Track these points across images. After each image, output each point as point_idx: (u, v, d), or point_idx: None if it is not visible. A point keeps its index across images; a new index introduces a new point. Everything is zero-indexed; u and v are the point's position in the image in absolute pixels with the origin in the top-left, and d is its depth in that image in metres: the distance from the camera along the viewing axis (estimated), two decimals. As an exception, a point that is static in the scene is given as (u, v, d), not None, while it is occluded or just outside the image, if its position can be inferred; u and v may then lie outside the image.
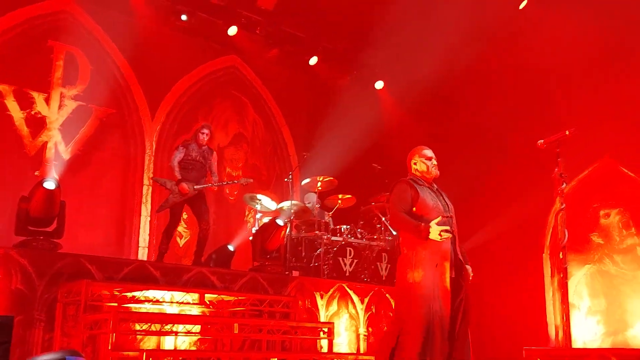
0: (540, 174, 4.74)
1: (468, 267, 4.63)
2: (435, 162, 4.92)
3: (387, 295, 8.05)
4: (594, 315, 7.98)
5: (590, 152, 7.99)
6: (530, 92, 8.68)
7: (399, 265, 4.74)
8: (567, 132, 4.49)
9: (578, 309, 8.13)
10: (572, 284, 7.89)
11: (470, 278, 4.64)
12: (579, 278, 8.14)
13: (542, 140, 4.68)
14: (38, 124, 8.58)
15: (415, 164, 4.89)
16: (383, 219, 8.84)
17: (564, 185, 4.43)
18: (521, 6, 8.93)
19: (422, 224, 4.44)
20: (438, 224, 4.42)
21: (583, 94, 8.15)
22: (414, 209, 4.70)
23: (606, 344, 7.70)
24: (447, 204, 4.85)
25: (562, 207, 4.37)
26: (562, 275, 4.30)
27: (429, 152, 4.95)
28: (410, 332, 4.45)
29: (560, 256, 4.34)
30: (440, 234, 4.35)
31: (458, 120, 9.46)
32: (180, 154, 7.65)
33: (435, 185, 4.93)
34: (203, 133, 7.77)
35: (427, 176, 4.88)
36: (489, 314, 8.76)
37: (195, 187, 7.50)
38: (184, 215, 9.54)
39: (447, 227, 4.42)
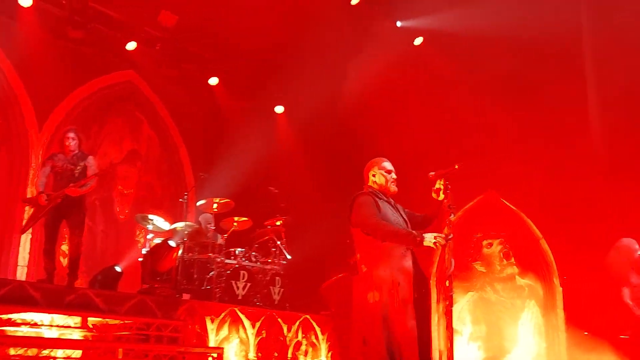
0: (429, 205, 4.87)
1: None
2: (394, 176, 4.74)
3: (279, 319, 8.01)
4: (475, 341, 8.23)
5: (476, 185, 8.29)
6: (426, 126, 8.93)
7: (357, 284, 4.54)
8: (456, 166, 4.60)
9: (460, 335, 8.33)
10: (455, 311, 8.12)
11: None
12: (462, 305, 8.38)
13: (433, 173, 4.78)
14: None
15: (374, 175, 4.70)
16: (278, 242, 8.81)
17: (452, 215, 4.54)
18: (417, 42, 9.34)
19: (414, 231, 4.27)
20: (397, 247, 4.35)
21: (473, 132, 8.50)
22: None
23: (486, 370, 8.02)
24: (405, 220, 4.68)
25: (450, 236, 4.47)
26: (447, 303, 4.37)
27: (388, 165, 4.78)
28: (373, 355, 4.27)
29: (447, 284, 4.40)
30: (435, 239, 4.14)
31: (354, 149, 9.61)
32: (46, 170, 6.95)
33: (392, 200, 4.74)
34: (68, 138, 7.01)
35: (384, 190, 4.70)
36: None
37: (47, 195, 6.73)
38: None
39: (442, 235, 4.20)
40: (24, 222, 7.25)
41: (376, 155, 4.92)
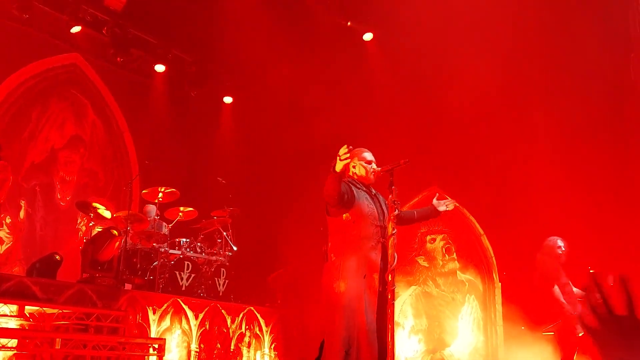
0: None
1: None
2: (375, 166, 4.72)
3: (222, 311, 8.02)
4: (416, 334, 8.35)
5: (420, 181, 8.40)
6: (374, 123, 9.00)
7: (326, 273, 4.54)
8: (401, 162, 4.65)
9: (402, 328, 8.46)
10: (398, 304, 8.26)
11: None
12: (405, 298, 8.49)
13: (379, 168, 4.83)
14: None
15: (354, 167, 4.66)
16: (224, 233, 8.80)
17: (397, 211, 4.59)
18: (366, 37, 9.40)
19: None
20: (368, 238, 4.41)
21: (419, 129, 8.56)
22: (347, 215, 4.50)
23: (425, 362, 8.16)
24: (383, 210, 4.65)
25: (394, 231, 4.52)
26: (389, 297, 4.43)
27: (369, 155, 4.78)
28: (333, 343, 4.28)
29: (389, 278, 4.47)
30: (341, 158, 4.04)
31: (304, 141, 9.63)
32: None
33: (373, 190, 4.75)
34: None
35: (365, 181, 4.70)
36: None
37: None
38: (7, 220, 8.90)
39: (345, 151, 4.07)
40: None
41: (323, 147, 4.90)
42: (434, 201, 4.92)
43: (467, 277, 8.32)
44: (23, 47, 9.22)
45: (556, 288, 6.22)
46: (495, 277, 8.11)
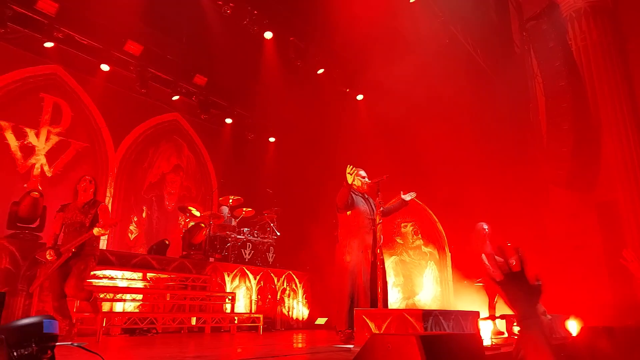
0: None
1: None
2: (367, 180, 4.80)
3: (271, 274, 8.06)
4: (396, 287, 8.33)
5: (397, 188, 8.32)
6: (365, 152, 8.93)
7: (338, 250, 4.59)
8: (384, 177, 4.75)
9: (388, 284, 8.41)
10: (386, 268, 8.25)
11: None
12: (388, 264, 8.42)
13: (370, 181, 4.92)
14: (29, 151, 7.82)
15: (354, 180, 4.63)
16: (272, 224, 8.83)
17: (381, 208, 4.68)
18: (359, 97, 9.40)
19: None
20: (364, 227, 4.47)
21: (392, 155, 8.53)
22: (349, 212, 4.56)
23: (403, 305, 8.10)
24: (372, 208, 4.70)
25: (380, 222, 4.60)
26: (378, 263, 4.52)
27: (363, 173, 4.86)
28: (343, 295, 4.36)
29: (378, 251, 4.56)
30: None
31: (322, 162, 9.60)
32: (57, 223, 4.40)
33: (366, 195, 4.80)
34: (84, 183, 4.50)
35: (360, 190, 4.78)
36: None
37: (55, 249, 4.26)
38: (135, 218, 9.07)
39: (350, 169, 4.38)
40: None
41: (333, 170, 5.01)
42: (402, 195, 4.94)
43: (429, 250, 8.24)
44: (142, 110, 9.45)
45: (483, 256, 6.20)
46: (447, 249, 8.01)
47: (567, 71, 7.03)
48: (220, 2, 7.42)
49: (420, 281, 8.19)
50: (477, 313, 4.41)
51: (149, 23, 8.27)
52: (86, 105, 8.62)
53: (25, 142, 7.79)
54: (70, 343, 2.18)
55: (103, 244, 8.41)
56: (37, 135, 7.97)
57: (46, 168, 7.98)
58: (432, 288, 8.08)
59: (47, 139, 8.08)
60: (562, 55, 7.06)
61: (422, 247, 8.31)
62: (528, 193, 7.09)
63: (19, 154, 7.69)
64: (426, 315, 3.68)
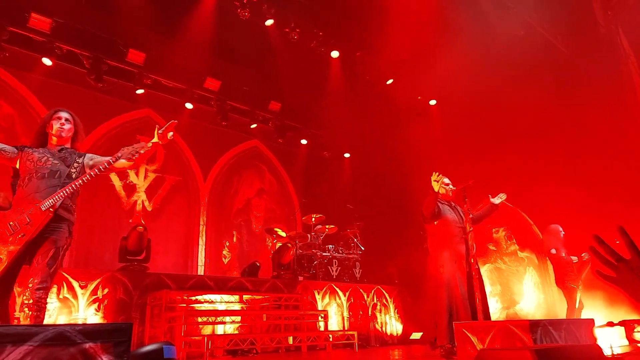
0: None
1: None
2: (451, 187, 4.68)
3: (360, 289, 8.01)
4: (494, 297, 7.92)
5: (485, 193, 7.91)
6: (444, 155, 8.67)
7: (430, 262, 4.48)
8: (470, 182, 4.59)
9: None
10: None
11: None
12: (483, 273, 8.02)
13: (454, 187, 4.78)
14: (131, 189, 8.64)
15: (439, 188, 4.43)
16: (355, 240, 8.82)
17: (471, 215, 4.51)
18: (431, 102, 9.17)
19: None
20: (454, 236, 4.35)
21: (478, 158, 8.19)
22: (436, 222, 4.44)
23: (503, 316, 7.67)
24: (461, 216, 4.55)
25: (470, 229, 4.43)
26: (474, 273, 4.33)
27: (446, 180, 4.72)
28: (440, 309, 4.23)
29: (472, 261, 4.38)
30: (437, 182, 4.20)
31: (397, 178, 9.45)
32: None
33: (453, 203, 4.67)
34: (60, 118, 3.19)
35: (446, 198, 4.67)
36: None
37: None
38: (227, 243, 9.54)
39: (436, 177, 4.26)
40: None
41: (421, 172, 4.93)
42: (490, 199, 4.71)
43: (525, 254, 7.76)
44: (225, 141, 10.00)
45: (552, 250, 6.11)
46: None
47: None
48: (287, 30, 7.72)
49: (520, 289, 7.72)
50: (592, 321, 4.03)
51: (223, 57, 8.77)
52: (176, 142, 9.35)
53: (127, 182, 8.61)
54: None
55: (201, 269, 8.97)
56: (137, 174, 8.78)
57: (147, 203, 8.73)
58: (535, 295, 7.57)
59: (145, 177, 8.87)
60: (659, 28, 6.36)
61: (518, 252, 7.86)
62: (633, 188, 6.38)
63: (122, 193, 8.52)
64: (534, 325, 3.42)
